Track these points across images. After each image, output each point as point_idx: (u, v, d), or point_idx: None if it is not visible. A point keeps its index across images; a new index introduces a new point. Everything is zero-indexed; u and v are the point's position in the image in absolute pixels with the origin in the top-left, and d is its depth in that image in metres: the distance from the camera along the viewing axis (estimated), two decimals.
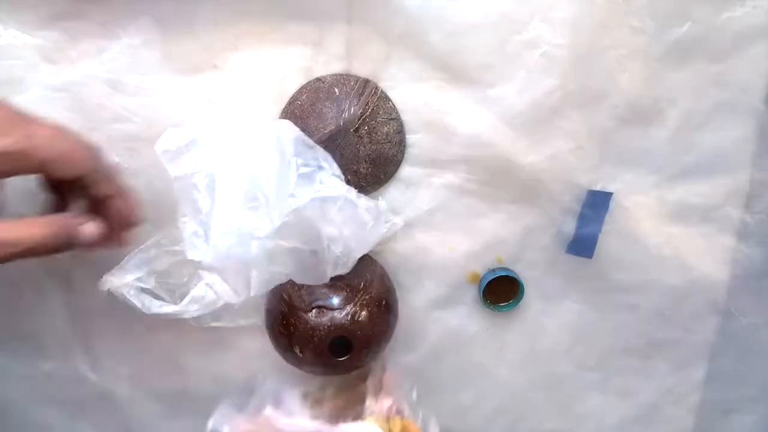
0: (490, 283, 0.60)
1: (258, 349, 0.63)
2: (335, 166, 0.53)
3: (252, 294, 0.51)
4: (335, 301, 0.54)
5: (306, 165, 0.52)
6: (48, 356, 0.63)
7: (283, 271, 0.51)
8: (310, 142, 0.53)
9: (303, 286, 0.54)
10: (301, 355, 0.54)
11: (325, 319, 0.53)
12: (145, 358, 0.63)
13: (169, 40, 0.55)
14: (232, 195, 0.49)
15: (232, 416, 0.53)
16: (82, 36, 0.55)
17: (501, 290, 0.61)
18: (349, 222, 0.52)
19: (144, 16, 0.55)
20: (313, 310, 0.53)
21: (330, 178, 0.52)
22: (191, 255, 0.51)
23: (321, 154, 0.53)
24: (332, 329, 0.53)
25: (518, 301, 0.61)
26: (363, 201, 0.54)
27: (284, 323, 0.54)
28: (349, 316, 0.53)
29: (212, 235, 0.48)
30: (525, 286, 0.60)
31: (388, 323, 0.57)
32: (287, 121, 0.54)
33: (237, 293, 0.51)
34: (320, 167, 0.52)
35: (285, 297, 0.54)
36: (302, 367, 0.55)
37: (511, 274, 0.60)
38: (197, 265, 0.56)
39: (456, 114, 0.57)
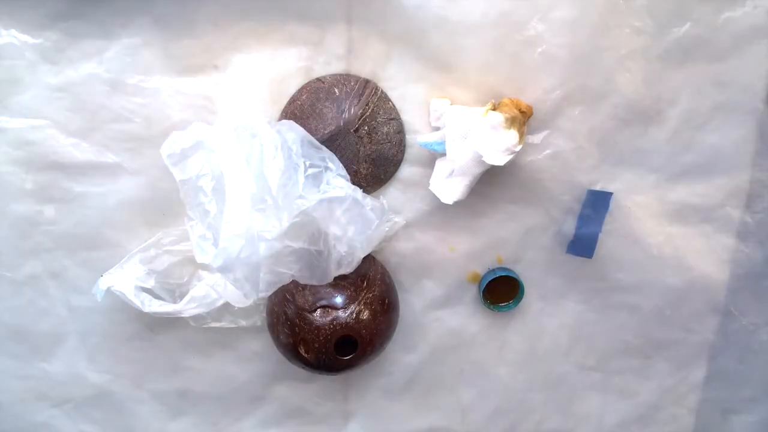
0: (490, 283, 0.60)
1: (258, 349, 0.63)
2: (341, 166, 0.54)
3: (259, 296, 0.51)
4: (339, 300, 0.54)
5: (313, 166, 0.52)
6: (49, 356, 0.63)
7: (288, 272, 0.52)
8: (316, 142, 0.53)
9: (306, 286, 0.54)
10: (306, 354, 0.54)
11: (330, 318, 0.53)
12: (145, 358, 0.63)
13: (169, 40, 0.55)
14: (240, 197, 0.49)
15: None
16: (82, 36, 0.55)
17: (501, 290, 0.61)
18: (355, 222, 0.52)
19: (144, 16, 0.55)
20: (318, 310, 0.53)
21: (336, 179, 0.52)
22: (200, 258, 0.51)
23: (327, 154, 0.53)
24: (337, 328, 0.53)
25: (518, 301, 0.61)
26: (369, 200, 0.54)
27: (288, 323, 0.54)
28: (354, 315, 0.53)
29: (222, 237, 0.48)
30: (525, 286, 0.60)
31: (391, 321, 0.57)
32: (292, 122, 0.54)
33: (247, 295, 0.51)
34: (327, 168, 0.52)
35: (288, 297, 0.54)
36: (306, 367, 0.55)
37: (511, 274, 0.60)
38: (207, 268, 0.57)
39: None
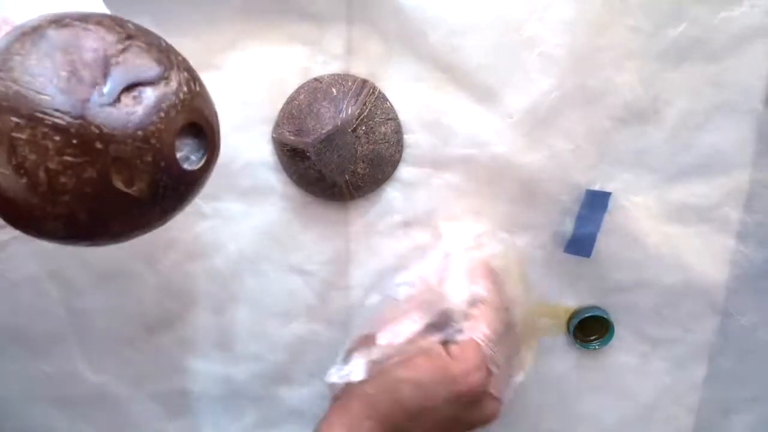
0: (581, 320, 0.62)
1: (257, 349, 0.63)
2: None
3: None
4: (151, 70, 0.32)
5: None
6: (48, 356, 0.63)
7: None
8: None
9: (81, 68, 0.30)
10: (129, 187, 0.30)
11: (152, 104, 0.31)
12: (145, 359, 0.63)
13: (169, 40, 0.55)
14: None
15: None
16: None
17: (589, 326, 0.63)
18: None
19: (143, 15, 0.55)
20: (122, 99, 0.30)
21: None
22: None
23: None
24: (172, 115, 0.31)
25: (608, 341, 0.63)
26: None
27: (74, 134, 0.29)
28: (185, 88, 0.32)
29: None
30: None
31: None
32: None
33: None
34: None
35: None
36: (135, 208, 0.31)
37: (600, 314, 0.62)
38: None
39: (454, 114, 0.57)
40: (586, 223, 0.59)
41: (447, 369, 0.46)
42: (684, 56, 0.56)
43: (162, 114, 0.31)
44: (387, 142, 0.57)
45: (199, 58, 0.56)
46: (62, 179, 0.28)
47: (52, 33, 0.31)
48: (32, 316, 0.62)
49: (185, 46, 0.56)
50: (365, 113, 0.56)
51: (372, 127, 0.56)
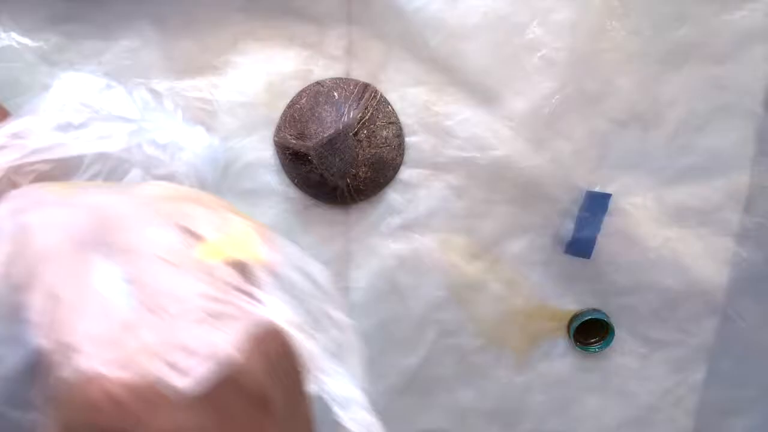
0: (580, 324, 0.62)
1: None
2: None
3: None
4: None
5: None
6: None
7: None
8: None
9: None
10: None
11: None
12: None
13: (169, 41, 0.55)
14: None
15: None
16: (81, 38, 0.55)
17: (589, 329, 0.63)
18: None
19: (143, 17, 0.55)
20: None
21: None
22: None
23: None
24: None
25: (607, 344, 0.63)
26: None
27: None
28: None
29: None
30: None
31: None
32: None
33: None
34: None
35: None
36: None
37: (600, 317, 0.62)
38: None
39: (455, 117, 0.57)
40: (586, 225, 0.59)
41: None
42: (684, 59, 0.56)
43: None
44: (388, 145, 0.57)
45: (198, 59, 0.56)
46: None
47: None
48: None
49: (185, 47, 0.57)
50: (367, 117, 0.55)
51: (374, 131, 0.56)
